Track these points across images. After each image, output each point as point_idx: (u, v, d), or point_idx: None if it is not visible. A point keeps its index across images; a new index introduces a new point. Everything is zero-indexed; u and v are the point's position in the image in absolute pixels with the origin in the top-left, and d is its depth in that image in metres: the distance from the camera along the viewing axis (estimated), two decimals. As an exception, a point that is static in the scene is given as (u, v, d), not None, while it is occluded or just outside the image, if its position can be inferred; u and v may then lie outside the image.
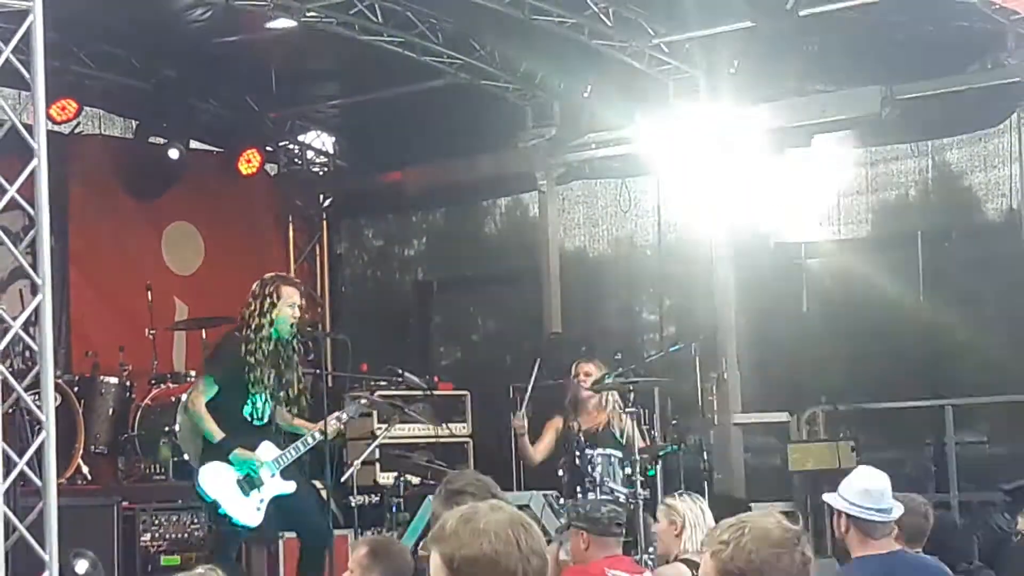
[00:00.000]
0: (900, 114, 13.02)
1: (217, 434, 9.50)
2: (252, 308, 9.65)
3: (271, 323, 9.60)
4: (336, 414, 9.92)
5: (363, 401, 10.60)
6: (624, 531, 7.56)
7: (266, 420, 9.68)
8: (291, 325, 9.68)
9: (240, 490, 9.52)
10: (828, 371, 14.27)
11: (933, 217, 14.08)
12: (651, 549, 10.09)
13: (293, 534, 10.45)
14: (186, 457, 12.41)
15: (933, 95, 12.96)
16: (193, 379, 12.94)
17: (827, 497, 6.30)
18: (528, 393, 11.64)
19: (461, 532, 3.63)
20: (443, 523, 3.68)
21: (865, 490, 6.19)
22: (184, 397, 12.50)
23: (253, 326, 9.61)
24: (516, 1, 12.77)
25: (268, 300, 9.63)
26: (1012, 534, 9.89)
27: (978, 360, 13.57)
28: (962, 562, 8.39)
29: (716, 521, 7.73)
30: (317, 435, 9.75)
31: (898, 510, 6.22)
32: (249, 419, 9.62)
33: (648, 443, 11.29)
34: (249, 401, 9.60)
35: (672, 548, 7.79)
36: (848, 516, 6.20)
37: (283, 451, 9.70)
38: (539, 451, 11.50)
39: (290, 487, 9.72)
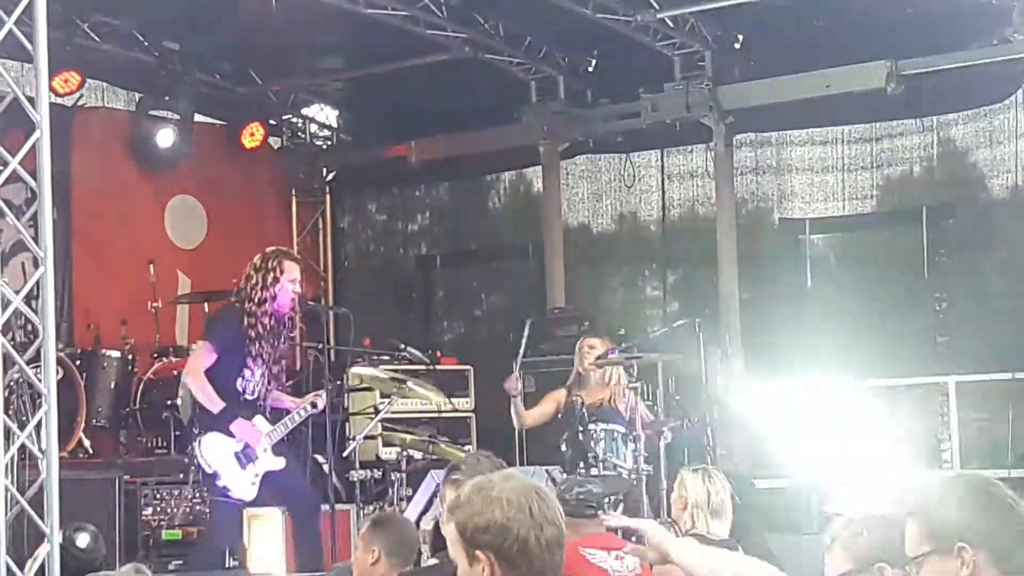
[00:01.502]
0: (905, 89, 12.98)
1: (216, 404, 9.47)
2: (254, 281, 9.61)
3: (273, 297, 9.57)
4: (319, 392, 9.93)
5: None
6: (597, 512, 7.43)
7: (256, 395, 9.65)
8: (291, 300, 9.66)
9: (237, 462, 9.51)
10: (831, 347, 14.25)
11: (938, 193, 14.07)
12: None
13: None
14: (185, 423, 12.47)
15: (938, 71, 12.91)
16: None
17: None
18: (521, 353, 11.52)
19: (474, 500, 3.66)
20: (459, 494, 3.70)
21: None
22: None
23: (256, 299, 9.57)
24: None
25: (272, 274, 9.60)
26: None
27: (982, 337, 13.54)
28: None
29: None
30: (307, 409, 9.74)
31: None
32: (241, 392, 9.60)
33: (652, 418, 11.27)
34: (243, 374, 9.58)
35: (680, 520, 7.72)
36: None
37: (274, 426, 9.68)
38: (531, 415, 11.50)
39: (280, 463, 9.70)
